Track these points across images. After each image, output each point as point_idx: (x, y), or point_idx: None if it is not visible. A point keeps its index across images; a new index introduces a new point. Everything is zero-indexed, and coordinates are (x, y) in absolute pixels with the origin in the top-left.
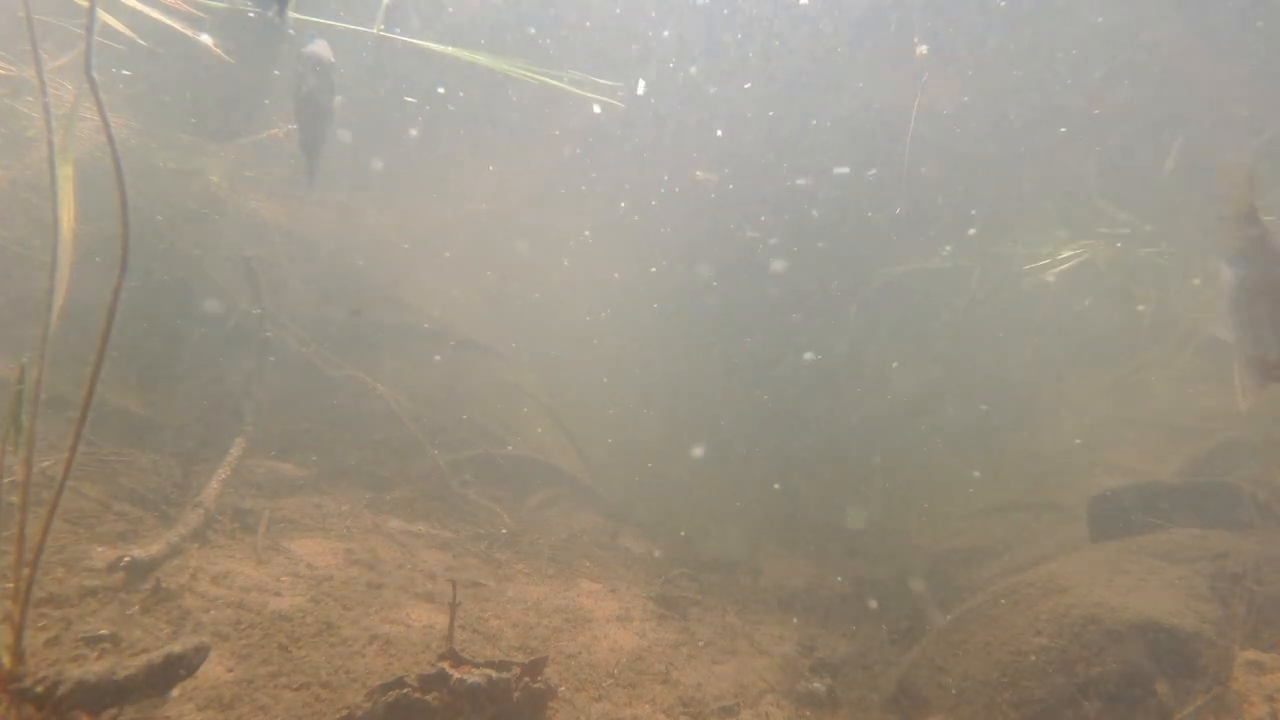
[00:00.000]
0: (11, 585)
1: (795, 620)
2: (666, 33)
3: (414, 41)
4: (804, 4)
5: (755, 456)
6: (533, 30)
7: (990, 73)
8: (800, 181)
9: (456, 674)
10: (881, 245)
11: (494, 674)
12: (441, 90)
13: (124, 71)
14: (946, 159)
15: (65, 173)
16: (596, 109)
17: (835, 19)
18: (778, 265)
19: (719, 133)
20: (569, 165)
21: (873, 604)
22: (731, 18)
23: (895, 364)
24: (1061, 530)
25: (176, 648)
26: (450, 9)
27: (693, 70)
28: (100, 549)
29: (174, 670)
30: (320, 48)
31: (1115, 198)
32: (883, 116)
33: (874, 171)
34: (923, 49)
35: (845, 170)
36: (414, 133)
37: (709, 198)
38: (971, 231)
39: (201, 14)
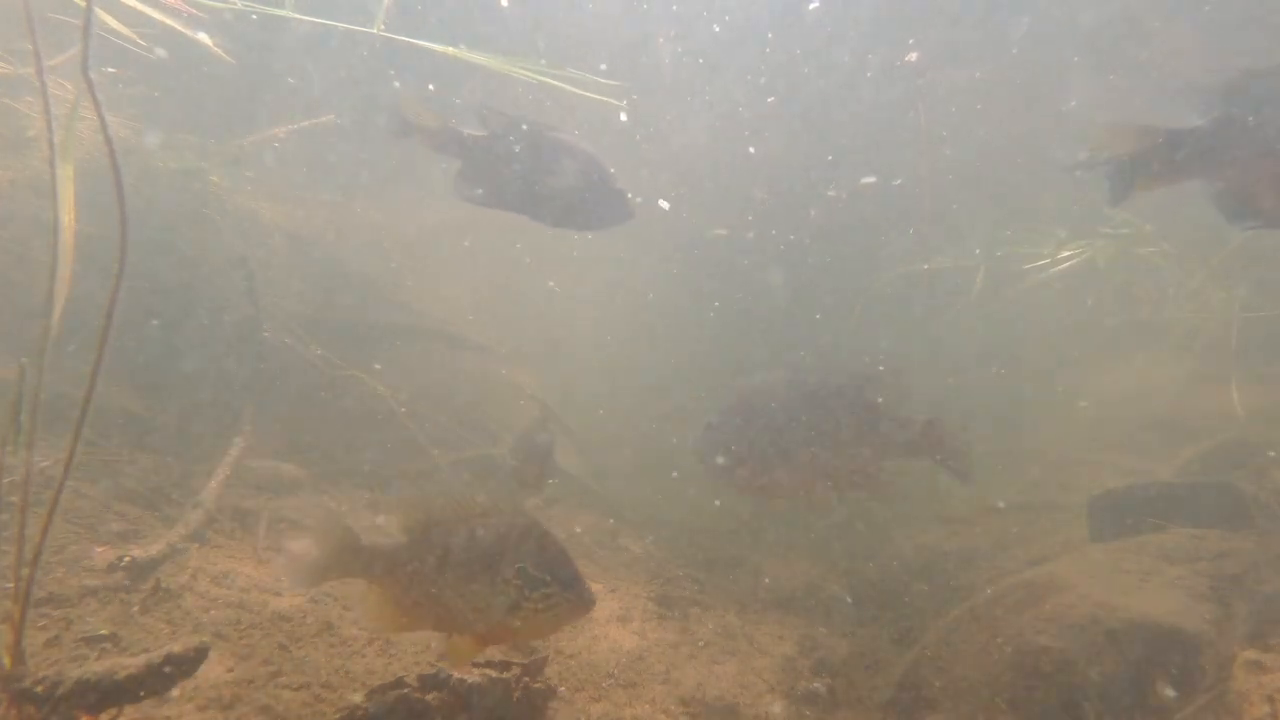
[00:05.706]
0: (11, 585)
1: (795, 620)
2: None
3: (414, 41)
4: (814, 7)
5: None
6: (542, 29)
7: (991, 73)
8: (832, 193)
9: (456, 674)
10: (890, 246)
11: (494, 674)
12: (432, 87)
13: (109, 69)
14: (951, 161)
15: (65, 173)
16: (623, 116)
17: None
18: (780, 268)
19: (711, 131)
20: None
21: (873, 604)
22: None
23: (899, 363)
24: (1061, 530)
25: (176, 648)
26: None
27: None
28: (100, 549)
29: (174, 670)
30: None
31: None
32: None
33: (899, 181)
34: (912, 55)
35: (872, 179)
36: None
37: (706, 200)
38: (1008, 232)
39: (201, 14)
